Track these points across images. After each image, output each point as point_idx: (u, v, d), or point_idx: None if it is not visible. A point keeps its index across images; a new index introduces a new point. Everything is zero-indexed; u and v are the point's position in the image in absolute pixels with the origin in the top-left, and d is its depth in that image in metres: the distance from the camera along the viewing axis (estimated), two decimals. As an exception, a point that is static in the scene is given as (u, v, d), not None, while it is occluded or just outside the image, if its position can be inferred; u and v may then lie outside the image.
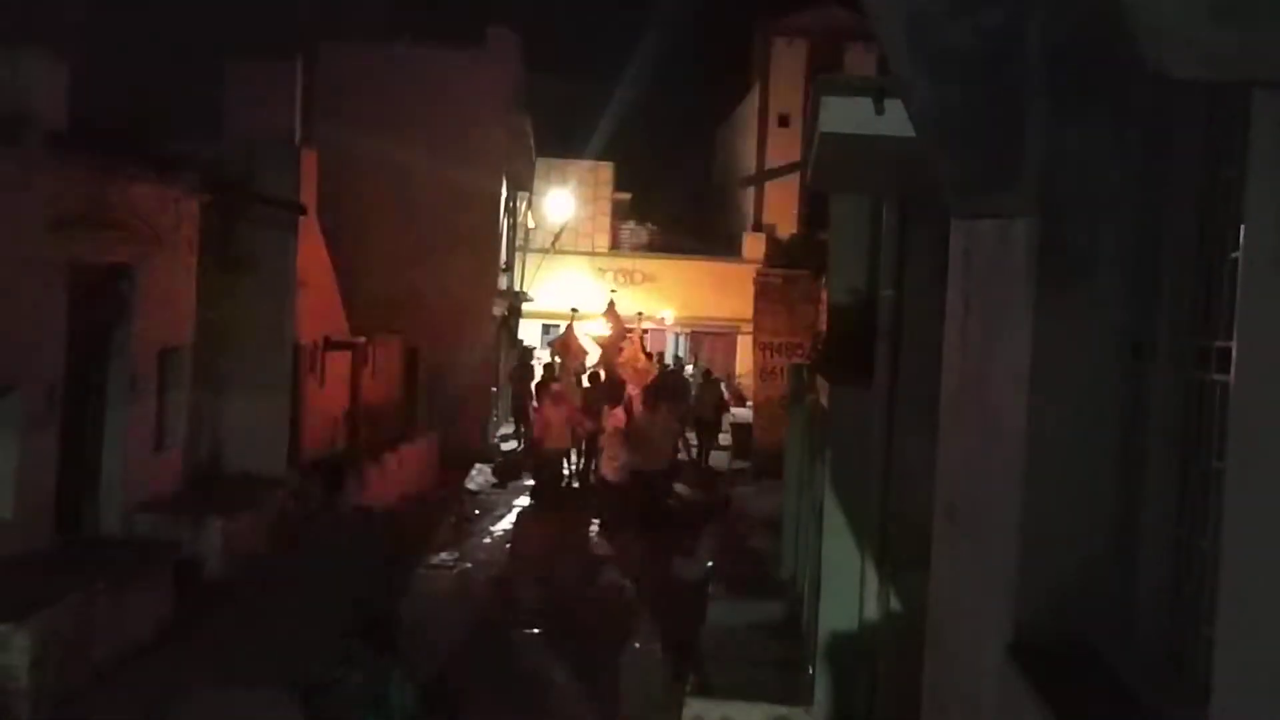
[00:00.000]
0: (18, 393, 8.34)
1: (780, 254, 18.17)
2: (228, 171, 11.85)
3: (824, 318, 10.44)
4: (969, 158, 3.07)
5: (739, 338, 27.61)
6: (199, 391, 11.56)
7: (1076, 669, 2.91)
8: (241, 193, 11.86)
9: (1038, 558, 2.97)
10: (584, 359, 21.74)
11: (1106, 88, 2.82)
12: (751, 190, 30.26)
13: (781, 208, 28.64)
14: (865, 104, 4.19)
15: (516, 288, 24.90)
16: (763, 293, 16.60)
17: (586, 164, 29.93)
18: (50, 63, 8.69)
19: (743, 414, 21.98)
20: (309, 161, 13.00)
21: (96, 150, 9.29)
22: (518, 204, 24.91)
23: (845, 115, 4.29)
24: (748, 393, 22.10)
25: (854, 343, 7.14)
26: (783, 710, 6.48)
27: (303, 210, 12.32)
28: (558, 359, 20.85)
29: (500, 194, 22.03)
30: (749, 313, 18.44)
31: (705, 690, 6.72)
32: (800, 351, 14.47)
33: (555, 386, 17.47)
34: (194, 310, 11.28)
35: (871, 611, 6.11)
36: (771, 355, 16.16)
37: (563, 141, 28.13)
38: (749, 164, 30.25)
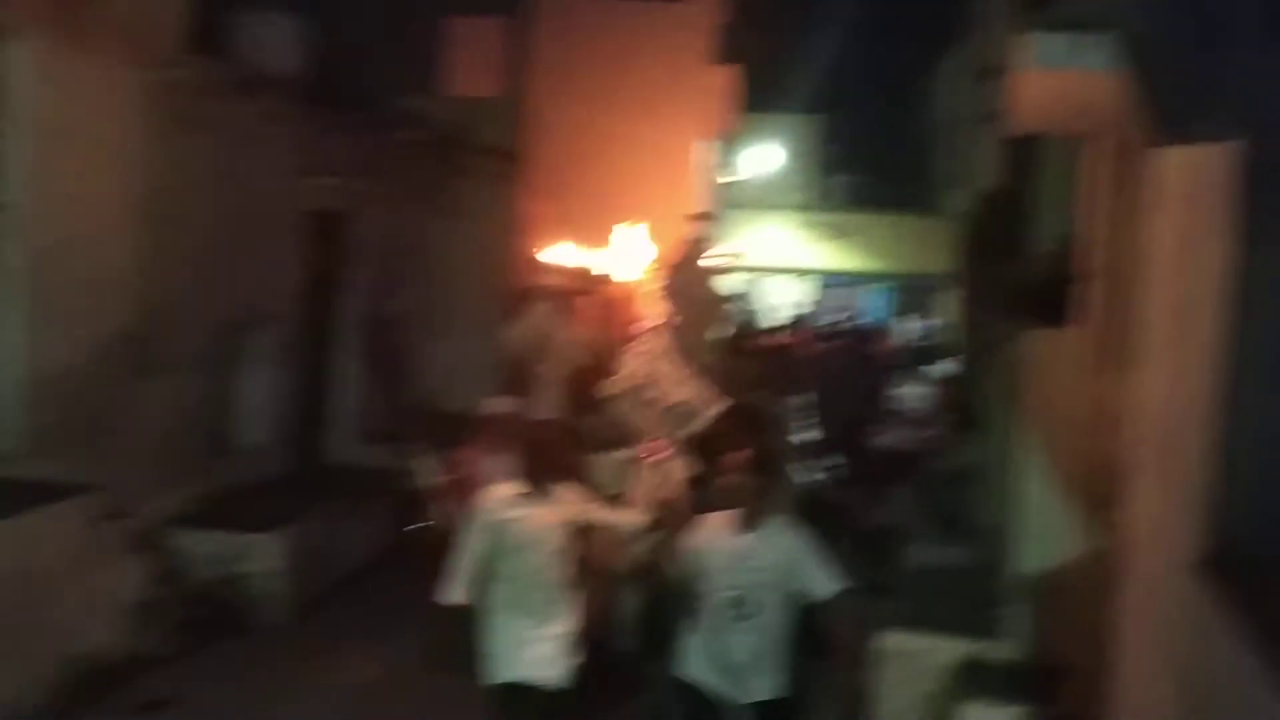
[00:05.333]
0: (268, 330, 9.11)
1: (983, 206, 17.83)
2: (448, 124, 12.48)
3: (1025, 268, 10.32)
4: (1175, 85, 3.14)
5: (944, 291, 27.21)
6: (418, 332, 12.27)
7: (1270, 584, 2.98)
8: (461, 145, 12.47)
9: (1231, 479, 3.05)
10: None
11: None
12: (954, 142, 29.57)
13: (986, 157, 27.95)
14: (1071, 39, 4.24)
15: (723, 243, 25.16)
16: (967, 246, 16.37)
17: (793, 118, 29.83)
18: (287, 23, 9.37)
19: (945, 368, 21.77)
20: (525, 115, 13.54)
21: (328, 105, 9.96)
22: (726, 158, 25.09)
23: (1051, 51, 4.34)
24: (952, 347, 21.85)
25: (1052, 286, 7.11)
26: (978, 644, 6.59)
27: (518, 161, 12.87)
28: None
29: (708, 148, 22.26)
30: (953, 266, 18.21)
31: (899, 622, 6.87)
32: (1002, 302, 14.25)
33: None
34: (412, 256, 11.97)
35: (1066, 551, 6.16)
36: (974, 306, 15.95)
37: (770, 96, 28.07)
38: (952, 115, 29.57)
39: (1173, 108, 3.15)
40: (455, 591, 5.40)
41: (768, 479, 5.17)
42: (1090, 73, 4.23)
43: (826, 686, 5.49)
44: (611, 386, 5.59)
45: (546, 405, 9.21)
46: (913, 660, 6.65)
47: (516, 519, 5.47)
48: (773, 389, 10.38)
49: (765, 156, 28.87)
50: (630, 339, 7.84)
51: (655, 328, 7.88)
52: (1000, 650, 6.54)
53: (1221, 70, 2.96)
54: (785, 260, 30.07)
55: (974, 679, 6.24)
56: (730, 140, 25.25)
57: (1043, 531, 6.42)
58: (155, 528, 7.48)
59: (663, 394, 6.78)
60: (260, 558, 7.98)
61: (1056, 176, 8.76)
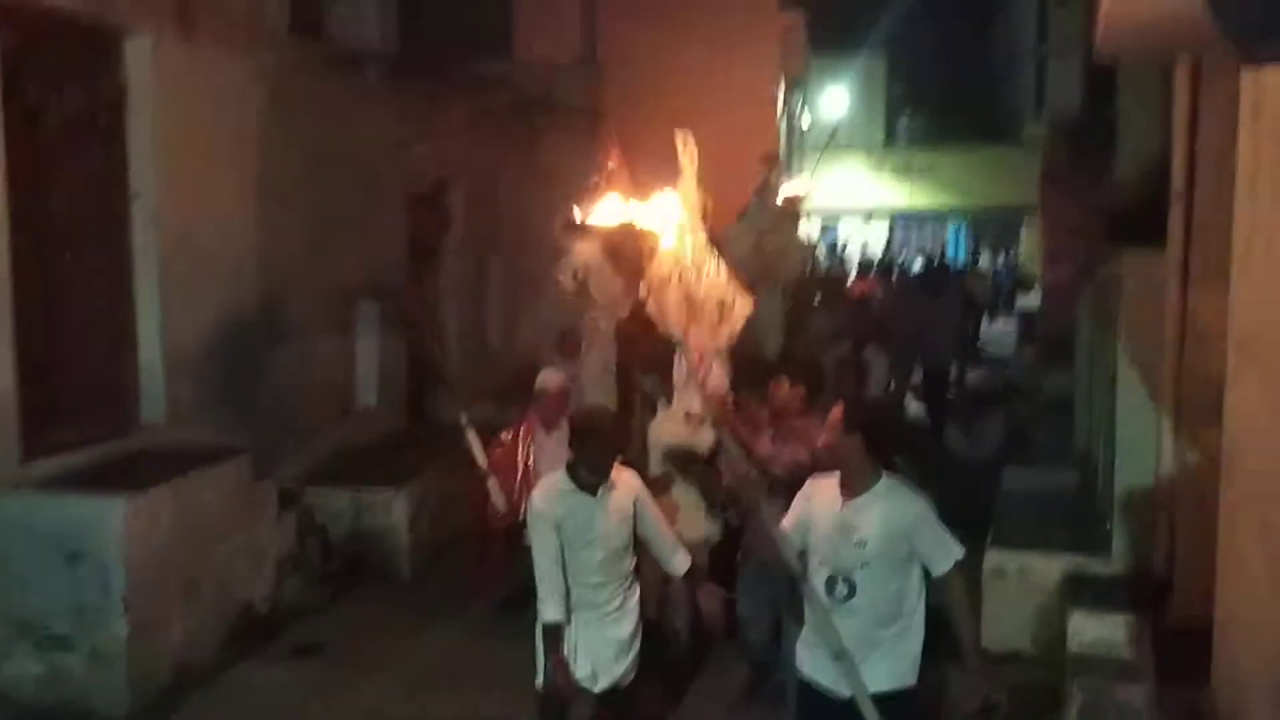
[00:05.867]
0: (378, 298, 9.55)
1: (1065, 133, 17.70)
2: (530, 88, 12.80)
3: (1111, 194, 10.37)
4: (1251, 4, 3.32)
5: (1024, 224, 27.01)
6: (514, 295, 12.66)
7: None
8: (544, 107, 12.78)
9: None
10: None
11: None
12: (1032, 69, 29.20)
13: (1064, 85, 27.59)
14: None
15: (800, 188, 25.21)
16: (1049, 174, 16.34)
17: (860, 58, 29.67)
18: (384, 2, 9.73)
19: (1029, 302, 21.74)
20: (605, 76, 13.81)
21: (419, 77, 10.32)
22: (794, 103, 25.09)
23: (1132, -17, 4.51)
24: (1034, 279, 21.79)
25: (1146, 209, 7.24)
26: (1080, 559, 6.82)
27: (600, 119, 13.15)
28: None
29: (777, 94, 22.31)
30: (1033, 197, 18.17)
31: (1003, 542, 7.13)
32: (1090, 231, 14.25)
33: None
34: (506, 220, 12.34)
35: (1167, 466, 6.35)
36: (1060, 237, 15.93)
37: (836, 37, 27.95)
38: (1028, 42, 29.17)
39: (1252, 27, 3.33)
40: (553, 609, 4.84)
41: (868, 438, 4.41)
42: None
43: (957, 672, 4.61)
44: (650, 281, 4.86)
45: (599, 359, 8.63)
46: (1021, 578, 6.91)
47: (573, 514, 4.95)
48: (861, 338, 9.81)
49: (835, 98, 28.79)
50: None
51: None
52: (1105, 565, 6.77)
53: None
54: (860, 201, 30.02)
55: (1081, 592, 6.49)
56: (800, 84, 25.25)
57: (1142, 449, 6.62)
58: (292, 487, 7.96)
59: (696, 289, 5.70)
60: (385, 513, 8.45)
61: (1139, 100, 8.83)
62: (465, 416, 7.10)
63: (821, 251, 27.74)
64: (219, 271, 7.80)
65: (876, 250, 29.76)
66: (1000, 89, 32.46)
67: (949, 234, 32.14)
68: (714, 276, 5.70)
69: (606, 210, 5.04)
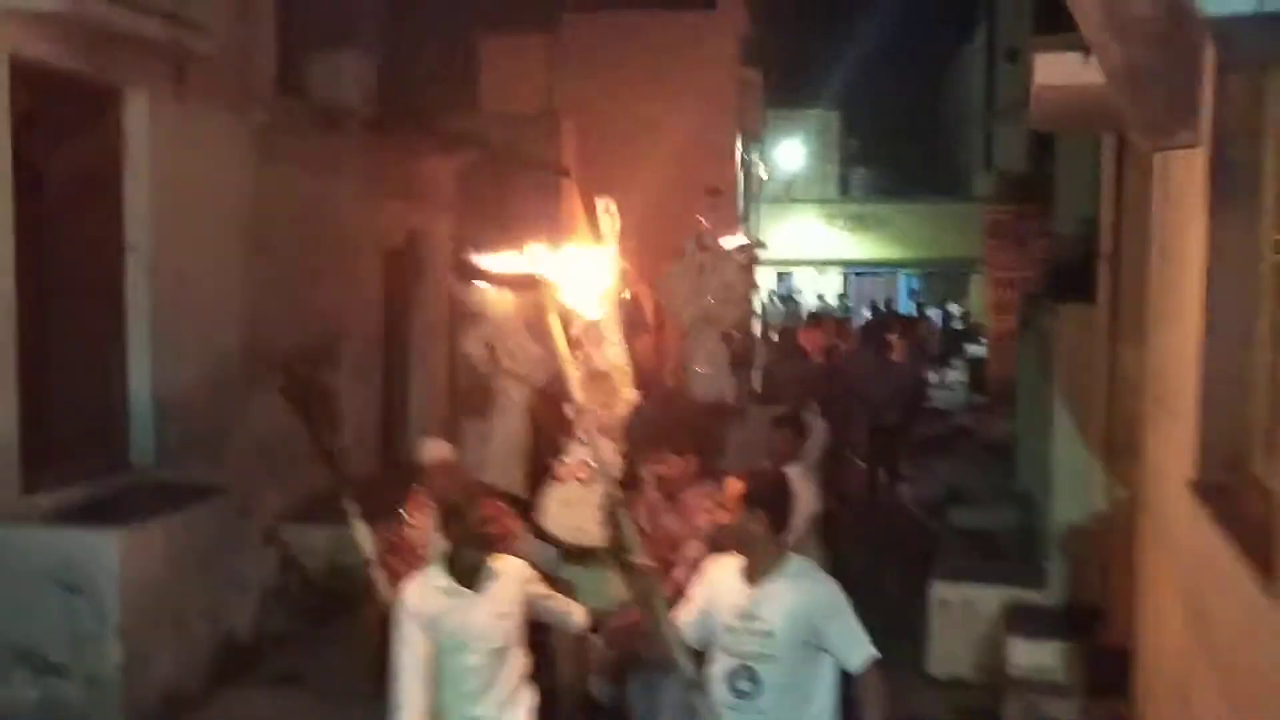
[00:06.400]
0: (353, 344, 9.94)
1: (1010, 190, 18.48)
2: (495, 141, 13.28)
3: (1050, 250, 11.00)
4: (1153, 103, 3.86)
5: (972, 276, 27.78)
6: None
7: (1240, 499, 3.70)
8: (512, 161, 13.27)
9: (1213, 419, 3.77)
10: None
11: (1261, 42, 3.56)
12: (980, 128, 30.16)
13: (1010, 143, 28.55)
14: (1074, 58, 4.97)
15: (753, 237, 25.85)
16: (994, 230, 17.09)
17: (815, 113, 30.50)
18: (362, 61, 10.19)
19: (977, 350, 22.46)
20: (566, 128, 14.32)
21: (394, 132, 10.78)
22: (750, 156, 25.81)
23: (1056, 69, 5.08)
24: (982, 329, 22.51)
25: (1078, 267, 7.84)
26: (1019, 591, 7.32)
27: (566, 173, 13.65)
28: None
29: (735, 147, 22.98)
30: (981, 251, 18.89)
31: (948, 575, 7.61)
32: (1030, 284, 14.92)
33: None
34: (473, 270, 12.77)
35: (1098, 504, 6.89)
36: (1004, 289, 16.63)
37: (791, 93, 28.80)
38: (977, 101, 30.12)
39: (1153, 121, 3.87)
40: None
41: (773, 515, 3.93)
42: (1094, 85, 4.95)
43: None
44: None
45: (507, 430, 7.70)
46: (965, 608, 7.39)
47: (447, 614, 4.33)
48: (802, 395, 9.14)
49: (790, 153, 29.58)
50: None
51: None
52: (1042, 595, 7.27)
53: (1190, 91, 3.68)
54: (813, 252, 30.65)
55: (1019, 621, 6.98)
56: (757, 138, 25.99)
57: (1074, 488, 7.16)
58: (273, 524, 8.29)
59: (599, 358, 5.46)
60: (358, 549, 8.76)
61: (1074, 164, 9.49)
62: (351, 505, 5.95)
63: (776, 301, 28.39)
64: (207, 319, 8.16)
65: (831, 300, 30.44)
66: (950, 145, 33.42)
67: (900, 285, 32.92)
68: (615, 345, 5.51)
69: (511, 261, 4.59)
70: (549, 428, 6.69)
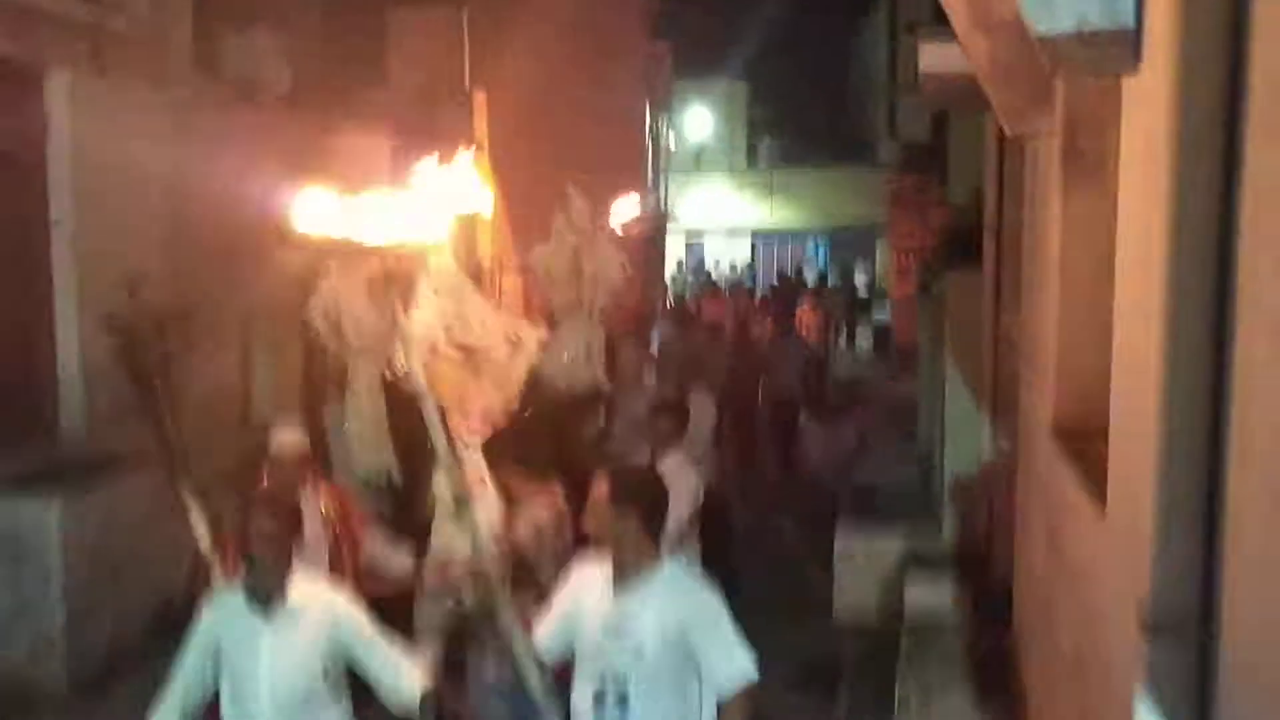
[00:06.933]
0: (269, 319, 10.13)
1: (911, 159, 19.10)
2: (408, 116, 13.48)
3: (945, 217, 11.57)
4: (1015, 94, 4.34)
5: (878, 240, 28.53)
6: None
7: (1087, 441, 4.19)
8: (426, 136, 13.48)
9: (1069, 368, 4.28)
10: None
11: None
12: (884, 98, 30.84)
13: (912, 114, 29.26)
14: (955, 48, 5.43)
15: (661, 207, 26.29)
16: (894, 199, 17.70)
17: (722, 84, 30.96)
18: (275, 38, 10.35)
19: (881, 316, 23.24)
20: (479, 102, 14.56)
21: (309, 110, 10.94)
22: (660, 127, 26.18)
23: (939, 57, 5.55)
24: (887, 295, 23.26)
25: (968, 237, 8.38)
26: (915, 542, 7.89)
27: (479, 148, 13.90)
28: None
29: (644, 118, 23.34)
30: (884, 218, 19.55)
31: (851, 530, 8.15)
32: (929, 251, 15.55)
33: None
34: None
35: (986, 457, 7.46)
36: (905, 256, 17.27)
37: (699, 64, 29.21)
38: (880, 72, 30.80)
39: (1015, 109, 4.35)
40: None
41: (645, 513, 3.53)
42: (972, 74, 5.43)
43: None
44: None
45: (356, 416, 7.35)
46: (866, 558, 7.94)
47: (237, 638, 3.73)
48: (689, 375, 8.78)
49: (699, 122, 30.02)
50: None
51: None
52: (936, 543, 7.85)
53: (1047, 85, 4.15)
54: (723, 219, 31.17)
55: (916, 567, 7.53)
56: (666, 108, 26.38)
57: (964, 443, 7.73)
58: (201, 488, 8.52)
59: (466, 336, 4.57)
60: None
61: (965, 137, 10.04)
62: (188, 490, 5.39)
63: (686, 270, 28.87)
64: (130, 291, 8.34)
65: (741, 268, 31.03)
66: (856, 114, 34.13)
67: (808, 250, 33.63)
68: (489, 316, 4.44)
69: (335, 222, 3.95)
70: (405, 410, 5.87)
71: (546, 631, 3.67)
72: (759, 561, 8.40)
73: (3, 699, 6.48)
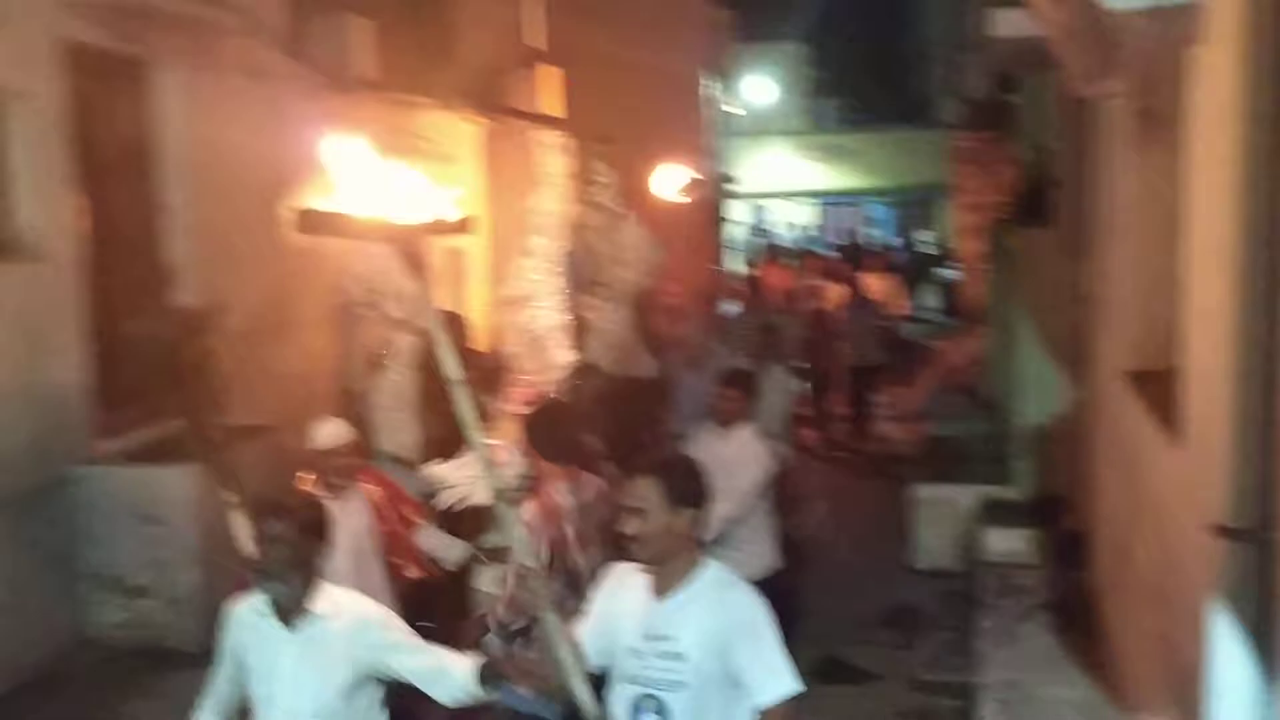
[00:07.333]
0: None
1: (975, 117, 19.14)
2: (480, 89, 13.87)
3: (1014, 175, 11.73)
4: (1085, 57, 4.59)
5: (940, 202, 28.48)
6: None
7: (1160, 380, 4.45)
8: (511, 111, 13.91)
9: (1141, 314, 4.56)
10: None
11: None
12: (945, 58, 30.65)
13: (974, 73, 29.08)
14: (1023, 14, 5.68)
15: (722, 172, 26.41)
16: (963, 156, 17.78)
17: (783, 47, 30.93)
18: (363, 23, 10.76)
19: (949, 274, 23.29)
20: (554, 75, 14.95)
21: (394, 91, 11.33)
22: (721, 92, 26.27)
23: (1008, 22, 5.81)
24: (954, 254, 23.29)
25: (1039, 192, 8.60)
26: (992, 489, 8.18)
27: (560, 121, 14.31)
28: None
29: (703, 83, 23.44)
30: (949, 177, 19.61)
31: (928, 479, 8.46)
32: (998, 209, 15.66)
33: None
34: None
35: (1058, 404, 7.73)
36: (974, 214, 17.37)
37: (760, 27, 29.23)
38: (944, 33, 30.61)
39: (1086, 71, 4.60)
40: None
41: (687, 514, 3.22)
42: (1041, 38, 5.68)
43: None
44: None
45: (396, 386, 6.86)
46: (944, 506, 8.25)
47: (259, 650, 3.45)
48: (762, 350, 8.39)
49: (761, 87, 30.07)
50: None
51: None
52: (1011, 491, 8.14)
53: (1114, 49, 4.41)
54: (786, 184, 31.20)
55: (992, 514, 7.83)
56: (728, 73, 26.46)
57: (1038, 393, 8.00)
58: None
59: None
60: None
61: (1034, 95, 10.22)
62: (231, 495, 5.29)
63: (751, 234, 29.05)
64: (244, 276, 8.85)
65: (803, 230, 31.13)
66: (917, 75, 33.96)
67: (873, 212, 33.61)
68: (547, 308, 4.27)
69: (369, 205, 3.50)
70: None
71: (584, 639, 3.37)
72: (839, 520, 8.63)
73: (140, 655, 7.01)
